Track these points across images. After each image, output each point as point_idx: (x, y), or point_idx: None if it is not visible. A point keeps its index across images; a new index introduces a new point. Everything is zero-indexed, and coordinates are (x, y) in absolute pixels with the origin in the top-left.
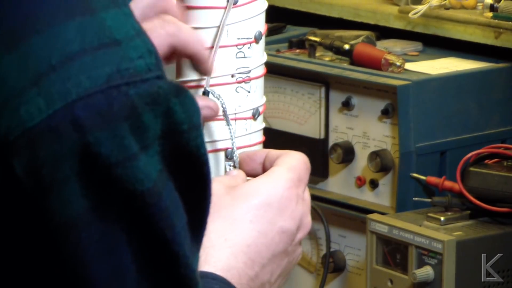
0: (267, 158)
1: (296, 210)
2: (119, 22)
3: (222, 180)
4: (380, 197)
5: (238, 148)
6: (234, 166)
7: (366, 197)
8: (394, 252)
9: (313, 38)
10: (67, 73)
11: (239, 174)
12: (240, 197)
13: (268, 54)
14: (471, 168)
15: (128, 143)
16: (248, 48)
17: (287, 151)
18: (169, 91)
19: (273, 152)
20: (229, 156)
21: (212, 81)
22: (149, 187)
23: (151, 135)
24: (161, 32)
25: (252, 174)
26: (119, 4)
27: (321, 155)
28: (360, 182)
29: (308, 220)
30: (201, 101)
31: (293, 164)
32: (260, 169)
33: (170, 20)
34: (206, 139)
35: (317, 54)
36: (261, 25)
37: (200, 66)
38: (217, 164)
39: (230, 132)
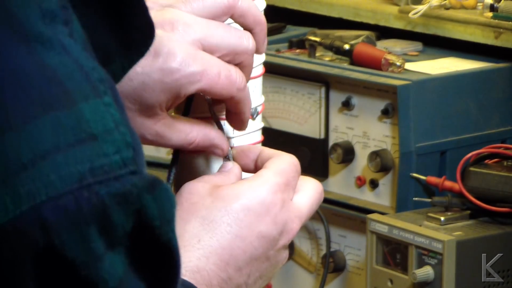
0: (260, 156)
1: (279, 215)
2: (98, 114)
3: (210, 179)
4: (380, 197)
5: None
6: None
7: (366, 197)
8: (394, 252)
9: (313, 38)
10: (37, 173)
11: (233, 169)
12: (221, 199)
13: (268, 54)
14: (471, 168)
15: (95, 246)
16: None
17: (279, 153)
18: (142, 188)
19: (266, 152)
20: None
21: None
22: (114, 286)
23: (120, 233)
24: (219, 6)
25: (244, 170)
26: (100, 93)
27: (321, 155)
28: (360, 182)
29: (294, 226)
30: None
31: (281, 167)
32: (252, 166)
33: None
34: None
35: (317, 54)
36: None
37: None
38: (214, 161)
39: (223, 130)
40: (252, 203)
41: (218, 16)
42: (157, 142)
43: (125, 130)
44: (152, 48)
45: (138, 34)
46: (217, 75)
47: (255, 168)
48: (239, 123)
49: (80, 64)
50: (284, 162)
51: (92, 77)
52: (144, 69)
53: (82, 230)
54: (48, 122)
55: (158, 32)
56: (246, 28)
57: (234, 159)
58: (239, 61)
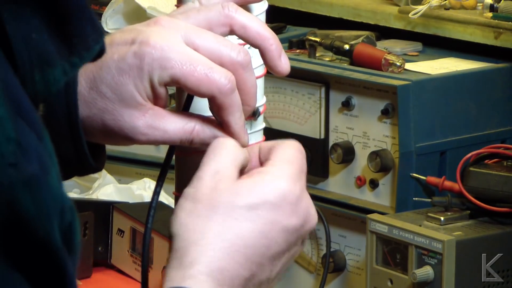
0: (261, 152)
1: (300, 206)
2: None
3: (237, 159)
4: (380, 197)
5: None
6: None
7: (366, 197)
8: (394, 252)
9: (313, 38)
10: None
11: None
12: (243, 196)
13: None
14: (471, 168)
15: None
16: (248, 48)
17: (281, 142)
18: (17, 180)
19: (265, 145)
20: None
21: None
22: None
23: None
24: (215, 14)
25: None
26: None
27: (321, 155)
28: (360, 182)
29: (313, 210)
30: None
31: (291, 155)
32: (258, 164)
33: (231, 3)
34: None
35: (317, 54)
36: None
37: (266, 61)
38: None
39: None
40: (274, 198)
41: (215, 25)
42: (153, 136)
43: (9, 125)
44: (130, 38)
45: (77, 38)
46: (193, 67)
47: (261, 164)
48: (229, 135)
49: None
50: (292, 149)
51: None
52: (120, 55)
53: None
54: None
55: (140, 27)
56: (253, 44)
57: None
58: None
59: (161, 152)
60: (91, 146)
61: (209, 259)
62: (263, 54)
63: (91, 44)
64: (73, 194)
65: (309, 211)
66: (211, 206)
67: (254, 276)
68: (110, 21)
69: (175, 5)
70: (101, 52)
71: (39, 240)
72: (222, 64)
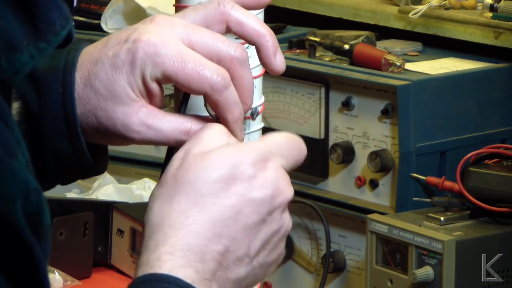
0: None
1: (267, 178)
2: None
3: (202, 143)
4: (380, 197)
5: None
6: None
7: (366, 197)
8: (394, 252)
9: (313, 38)
10: None
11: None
12: (206, 169)
13: None
14: (471, 168)
15: None
16: (246, 48)
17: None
18: None
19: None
20: None
21: None
22: None
23: None
24: (211, 11)
25: None
26: None
27: (321, 155)
28: (360, 182)
29: (284, 183)
30: None
31: (269, 140)
32: None
33: (227, 0)
34: None
35: (317, 54)
36: None
37: (261, 58)
38: None
39: None
40: (238, 170)
41: (211, 22)
42: (147, 134)
43: None
44: (125, 36)
45: (44, 24)
46: (184, 64)
47: None
48: (230, 131)
49: None
50: (272, 136)
51: None
52: (114, 52)
53: None
54: None
55: (136, 26)
56: (249, 40)
57: None
58: (226, 69)
59: (161, 152)
60: (93, 149)
61: (174, 238)
62: (258, 51)
63: (58, 29)
64: (73, 194)
65: (278, 183)
66: (174, 187)
67: (229, 251)
68: (110, 21)
69: (173, 5)
70: (69, 37)
71: (2, 222)
72: (220, 60)
